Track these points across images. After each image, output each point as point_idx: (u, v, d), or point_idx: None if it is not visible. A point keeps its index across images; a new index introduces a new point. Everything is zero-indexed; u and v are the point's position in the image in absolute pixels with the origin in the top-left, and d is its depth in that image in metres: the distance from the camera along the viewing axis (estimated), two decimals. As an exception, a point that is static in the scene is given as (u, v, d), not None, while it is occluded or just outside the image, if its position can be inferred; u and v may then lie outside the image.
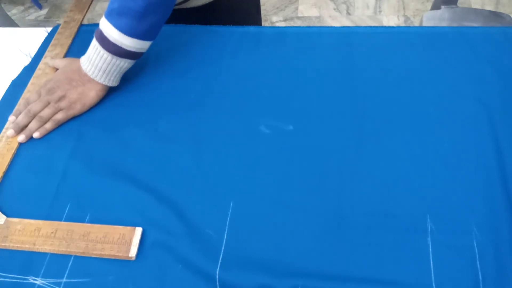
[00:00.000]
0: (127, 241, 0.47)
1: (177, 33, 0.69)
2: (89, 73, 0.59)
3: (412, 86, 0.59)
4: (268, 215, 0.49)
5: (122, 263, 0.46)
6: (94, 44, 0.57)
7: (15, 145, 0.57)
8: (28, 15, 2.04)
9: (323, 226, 0.47)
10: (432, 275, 0.43)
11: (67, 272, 0.46)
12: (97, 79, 0.59)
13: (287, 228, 0.48)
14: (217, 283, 0.44)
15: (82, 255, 0.47)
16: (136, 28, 0.55)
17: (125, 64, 0.58)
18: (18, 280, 0.46)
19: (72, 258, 0.47)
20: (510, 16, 1.17)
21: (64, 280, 0.46)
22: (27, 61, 0.69)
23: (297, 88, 0.60)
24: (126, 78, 0.62)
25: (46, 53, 0.68)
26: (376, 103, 0.57)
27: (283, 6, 1.93)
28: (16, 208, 0.52)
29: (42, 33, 0.73)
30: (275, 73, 0.62)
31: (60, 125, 0.59)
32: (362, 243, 0.46)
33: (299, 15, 1.88)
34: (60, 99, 0.59)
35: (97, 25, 0.58)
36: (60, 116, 0.59)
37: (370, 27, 0.67)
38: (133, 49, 0.57)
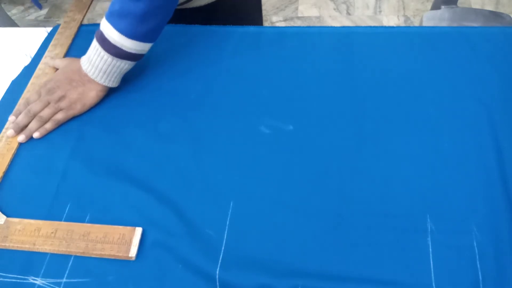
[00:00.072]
0: (127, 241, 0.47)
1: (177, 33, 0.69)
2: (89, 74, 0.59)
3: (412, 86, 0.59)
4: (268, 215, 0.49)
5: (122, 263, 0.46)
6: (95, 45, 0.57)
7: (15, 145, 0.57)
8: (28, 15, 2.04)
9: (323, 226, 0.47)
10: (432, 275, 0.43)
11: (67, 272, 0.46)
12: (97, 79, 0.59)
13: (287, 228, 0.48)
14: (217, 283, 0.44)
15: (82, 255, 0.47)
16: (137, 30, 0.55)
17: (125, 65, 0.58)
18: (18, 280, 0.46)
19: (72, 258, 0.47)
20: (510, 16, 1.17)
21: (64, 280, 0.46)
22: (27, 61, 0.69)
23: (297, 88, 0.60)
24: (126, 78, 0.62)
25: (46, 53, 0.68)
26: (376, 103, 0.57)
27: (283, 6, 1.93)
28: (16, 208, 0.52)
29: (42, 33, 0.73)
30: (275, 73, 0.62)
31: (60, 125, 0.59)
32: (362, 243, 0.46)
33: (299, 15, 1.88)
34: (60, 99, 0.59)
35: (97, 25, 0.58)
36: (60, 116, 0.59)
37: (370, 27, 0.67)
38: (133, 51, 0.57)
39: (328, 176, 0.51)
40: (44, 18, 2.02)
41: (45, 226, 0.49)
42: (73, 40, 0.71)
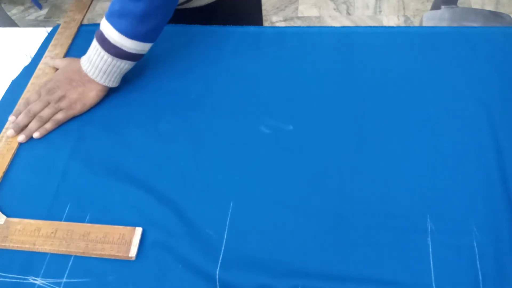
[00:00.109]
0: (127, 241, 0.47)
1: (177, 33, 0.69)
2: (89, 74, 0.59)
3: (412, 86, 0.59)
4: (268, 215, 0.49)
5: (122, 263, 0.46)
6: (95, 45, 0.57)
7: (15, 145, 0.57)
8: (28, 15, 2.03)
9: (323, 226, 0.47)
10: (432, 275, 0.43)
11: (67, 272, 0.46)
12: (97, 79, 0.59)
13: (287, 228, 0.48)
14: (217, 283, 0.44)
15: (82, 255, 0.47)
16: (137, 30, 0.55)
17: (125, 65, 0.58)
18: (18, 280, 0.46)
19: (72, 258, 0.47)
20: (510, 16, 1.17)
21: (64, 280, 0.46)
22: (27, 61, 0.69)
23: (297, 88, 0.60)
24: (126, 78, 0.62)
25: (46, 53, 0.68)
26: (376, 103, 0.57)
27: (283, 6, 1.93)
28: (16, 208, 0.52)
29: (42, 33, 0.73)
30: (275, 73, 0.62)
31: (60, 125, 0.59)
32: (362, 243, 0.46)
33: (299, 15, 1.88)
34: (60, 99, 0.59)
35: (97, 25, 0.58)
36: (60, 116, 0.59)
37: (370, 27, 0.67)
38: (133, 51, 0.57)
39: (328, 176, 0.51)
40: (44, 18, 2.02)
41: (45, 226, 0.49)
42: (73, 40, 0.71)
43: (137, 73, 0.64)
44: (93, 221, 0.50)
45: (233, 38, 0.68)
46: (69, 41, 0.70)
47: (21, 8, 2.06)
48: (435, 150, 0.52)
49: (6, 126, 0.59)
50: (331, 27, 0.69)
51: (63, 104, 0.59)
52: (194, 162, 0.54)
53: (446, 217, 0.47)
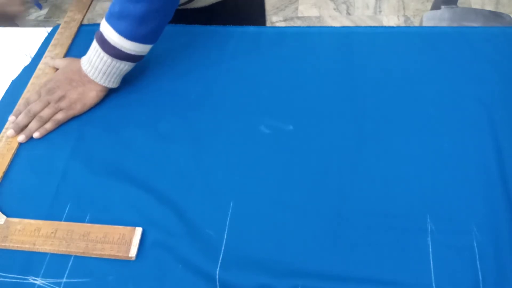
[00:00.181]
0: (127, 241, 0.47)
1: (177, 33, 0.69)
2: (89, 74, 0.59)
3: (412, 86, 0.59)
4: (268, 215, 0.49)
5: (122, 263, 0.46)
6: (95, 45, 0.57)
7: (15, 145, 0.57)
8: (28, 15, 2.03)
9: (323, 226, 0.47)
10: (432, 275, 0.43)
11: (67, 272, 0.46)
12: (97, 80, 0.59)
13: (287, 228, 0.48)
14: (217, 283, 0.44)
15: (82, 255, 0.47)
16: (136, 31, 0.55)
17: (125, 66, 0.58)
18: (18, 280, 0.46)
19: (72, 258, 0.47)
20: (510, 16, 1.17)
21: (64, 280, 0.46)
22: (27, 61, 0.69)
23: (297, 88, 0.60)
24: (126, 78, 0.62)
25: (46, 53, 0.68)
26: (376, 103, 0.57)
27: (283, 6, 1.93)
28: (16, 208, 0.52)
29: (42, 33, 0.73)
30: (275, 73, 0.62)
31: (60, 125, 0.59)
32: (362, 243, 0.46)
33: (299, 15, 1.88)
34: (60, 99, 0.59)
35: (97, 25, 0.58)
36: (60, 116, 0.59)
37: (370, 27, 0.67)
38: (133, 52, 0.57)
39: (328, 176, 0.51)
40: (44, 18, 2.02)
41: (45, 226, 0.49)
42: (73, 40, 0.71)
43: (137, 73, 0.64)
44: (93, 221, 0.50)
45: (232, 38, 0.68)
46: (69, 41, 0.70)
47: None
48: (435, 150, 0.52)
49: (6, 126, 0.59)
50: (331, 27, 0.69)
51: (63, 104, 0.59)
52: (194, 162, 0.54)
53: (446, 217, 0.47)
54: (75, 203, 0.51)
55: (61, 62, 0.64)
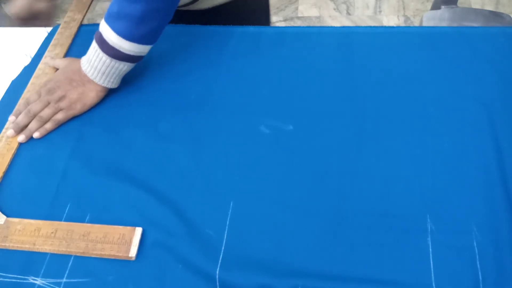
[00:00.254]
0: (127, 241, 0.47)
1: (177, 33, 0.69)
2: (89, 75, 0.59)
3: (412, 86, 0.59)
4: (268, 215, 0.49)
5: (122, 263, 0.46)
6: (94, 46, 0.57)
7: (15, 145, 0.57)
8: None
9: (323, 226, 0.47)
10: (432, 275, 0.43)
11: (67, 272, 0.46)
12: (96, 80, 0.59)
13: (287, 228, 0.48)
14: (217, 283, 0.44)
15: (82, 255, 0.47)
16: (135, 32, 0.55)
17: (124, 67, 0.58)
18: (18, 280, 0.46)
19: (72, 258, 0.47)
20: (510, 16, 1.17)
21: (64, 280, 0.46)
22: (27, 61, 0.69)
23: (297, 88, 0.60)
24: (126, 78, 0.62)
25: (46, 53, 0.68)
26: (376, 103, 0.57)
27: (283, 6, 1.93)
28: (16, 208, 0.52)
29: (42, 33, 0.73)
30: (275, 73, 0.62)
31: (60, 125, 0.59)
32: (362, 243, 0.46)
33: (299, 15, 1.88)
34: (60, 99, 0.59)
35: (97, 25, 0.58)
36: (60, 116, 0.59)
37: (370, 27, 0.67)
38: (132, 53, 0.57)
39: (328, 176, 0.51)
40: (44, 18, 2.02)
41: (45, 226, 0.49)
42: (73, 40, 0.71)
43: (137, 73, 0.64)
44: (93, 221, 0.50)
45: (232, 38, 0.68)
46: (69, 41, 0.70)
47: (21, 8, 2.06)
48: (435, 150, 0.52)
49: (6, 126, 0.59)
50: (331, 27, 0.69)
51: (63, 104, 0.59)
52: (194, 162, 0.54)
53: (446, 217, 0.47)
54: (75, 203, 0.51)
55: (61, 62, 0.64)
